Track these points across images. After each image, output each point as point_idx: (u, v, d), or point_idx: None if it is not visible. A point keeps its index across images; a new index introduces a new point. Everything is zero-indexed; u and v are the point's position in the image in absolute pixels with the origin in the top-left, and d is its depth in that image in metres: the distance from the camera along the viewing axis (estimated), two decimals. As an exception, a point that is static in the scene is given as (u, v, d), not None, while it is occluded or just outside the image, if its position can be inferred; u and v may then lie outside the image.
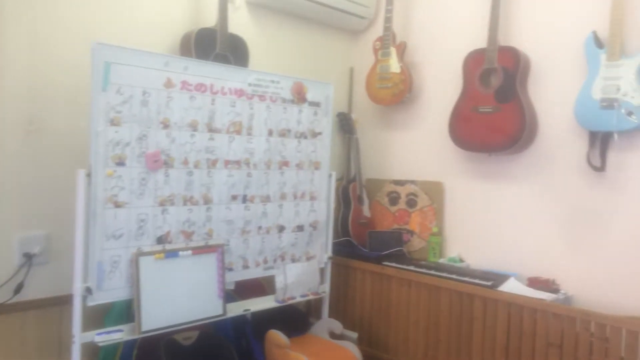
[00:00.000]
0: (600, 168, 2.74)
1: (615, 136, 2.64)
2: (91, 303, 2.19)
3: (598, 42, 2.70)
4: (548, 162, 2.96)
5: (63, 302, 2.43)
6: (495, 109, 2.99)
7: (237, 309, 2.67)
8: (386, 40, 3.46)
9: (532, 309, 2.56)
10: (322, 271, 3.10)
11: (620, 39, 2.60)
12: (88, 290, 2.17)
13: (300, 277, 2.94)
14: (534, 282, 2.83)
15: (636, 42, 2.61)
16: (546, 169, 2.96)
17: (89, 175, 2.17)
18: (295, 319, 3.09)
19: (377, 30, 3.61)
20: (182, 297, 2.40)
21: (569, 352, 2.45)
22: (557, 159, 2.92)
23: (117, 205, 2.25)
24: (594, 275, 2.77)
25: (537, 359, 2.54)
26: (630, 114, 2.57)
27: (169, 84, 2.39)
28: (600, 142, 2.75)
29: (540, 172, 2.99)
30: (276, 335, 2.70)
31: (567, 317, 2.46)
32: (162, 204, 2.39)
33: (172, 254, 2.39)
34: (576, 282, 2.81)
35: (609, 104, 2.61)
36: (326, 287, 3.12)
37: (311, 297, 3.04)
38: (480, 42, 3.07)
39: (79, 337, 2.15)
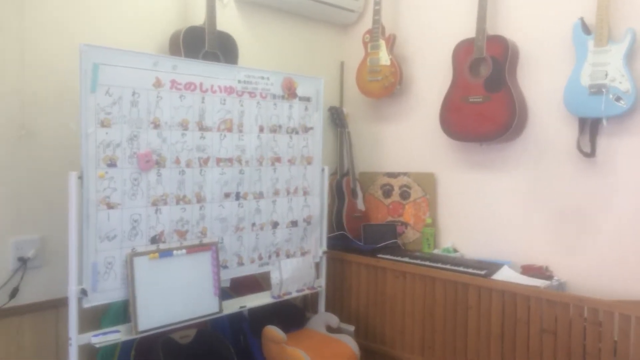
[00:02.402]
0: (591, 154, 2.76)
1: (604, 122, 2.66)
2: (87, 305, 2.20)
3: (585, 29, 2.71)
4: (539, 150, 2.97)
5: (59, 304, 2.43)
6: (485, 99, 3.00)
7: (233, 306, 2.68)
8: (375, 33, 3.47)
9: (526, 297, 2.58)
10: (317, 266, 3.11)
11: (607, 24, 2.61)
12: (83, 292, 2.18)
13: (296, 272, 2.96)
14: (528, 270, 2.85)
15: (623, 27, 2.62)
16: (537, 157, 2.98)
17: (80, 177, 2.17)
18: (291, 314, 3.11)
19: (367, 23, 3.60)
20: (177, 296, 2.41)
21: (563, 337, 2.47)
22: (547, 147, 2.94)
23: (110, 206, 2.25)
24: (587, 261, 2.79)
25: (532, 345, 2.56)
26: (618, 99, 2.58)
27: (158, 84, 2.39)
28: (589, 128, 2.76)
29: (531, 160, 3.00)
30: (273, 331, 2.72)
31: (560, 304, 2.48)
32: (155, 204, 2.40)
33: (166, 253, 2.40)
34: (569, 269, 2.83)
35: (597, 90, 2.63)
36: (322, 282, 3.14)
37: (307, 292, 3.05)
38: (469, 32, 3.07)
39: (76, 339, 2.16)
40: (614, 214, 2.72)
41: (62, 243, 2.27)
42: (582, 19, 2.72)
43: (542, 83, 2.94)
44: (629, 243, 2.67)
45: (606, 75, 2.60)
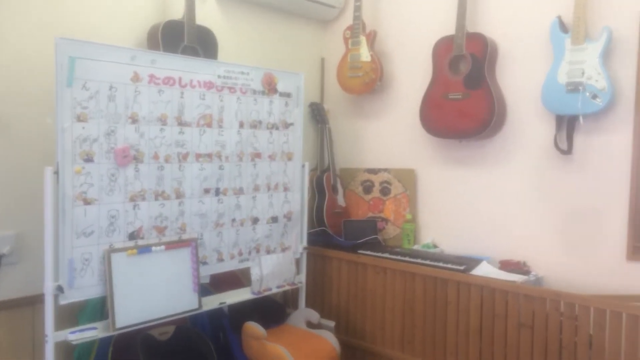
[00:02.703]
0: (567, 151, 2.80)
1: (581, 119, 2.69)
2: (63, 302, 2.17)
3: (563, 27, 2.74)
4: (517, 147, 3.00)
5: (35, 301, 2.39)
6: (464, 96, 3.02)
7: (212, 302, 2.67)
8: (356, 29, 3.47)
9: (504, 291, 2.61)
10: (297, 262, 3.11)
11: (584, 23, 2.64)
12: (59, 289, 2.15)
13: (276, 268, 2.95)
14: (506, 265, 2.88)
15: (599, 26, 2.65)
16: (515, 154, 3.01)
17: (56, 172, 2.14)
18: (272, 310, 3.11)
19: (347, 19, 3.60)
20: (156, 292, 2.39)
21: (540, 332, 2.50)
22: (525, 144, 2.97)
23: (87, 202, 2.23)
24: (563, 256, 2.83)
25: (510, 340, 2.59)
26: (594, 97, 2.62)
27: (136, 78, 2.36)
28: (566, 125, 2.80)
29: (510, 156, 3.03)
30: (253, 327, 2.71)
31: (537, 298, 2.51)
32: (133, 199, 2.37)
33: (144, 249, 2.38)
34: (546, 264, 2.87)
35: (574, 88, 2.66)
36: (302, 278, 3.14)
37: (287, 287, 3.05)
38: (449, 29, 3.09)
39: (52, 336, 2.13)
40: (589, 210, 2.76)
41: (38, 239, 2.24)
42: (559, 18, 2.75)
43: (521, 80, 2.97)
44: (604, 239, 2.71)
45: (583, 73, 2.64)
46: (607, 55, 2.63)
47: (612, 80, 2.60)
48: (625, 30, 2.62)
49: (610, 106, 2.64)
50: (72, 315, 2.38)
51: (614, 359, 2.31)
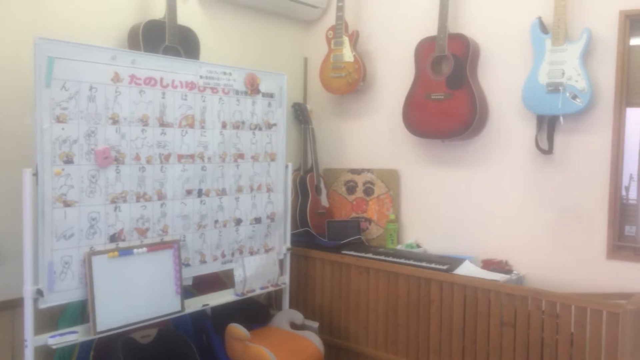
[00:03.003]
0: (548, 151, 2.83)
1: (561, 119, 2.72)
2: (43, 306, 2.14)
3: (543, 28, 2.77)
4: (499, 147, 3.03)
5: (14, 305, 2.35)
6: (447, 96, 3.03)
7: (195, 304, 2.65)
8: (339, 30, 3.47)
9: (486, 290, 2.63)
10: (281, 262, 3.10)
11: (564, 24, 2.67)
12: (39, 293, 2.12)
13: (259, 269, 2.94)
14: (488, 264, 2.90)
15: (579, 27, 2.69)
16: (497, 154, 3.03)
17: (35, 174, 2.10)
18: (255, 312, 3.09)
19: (330, 19, 3.60)
20: (138, 295, 2.36)
21: (522, 330, 2.53)
22: (507, 144, 3.00)
23: (67, 204, 2.19)
24: (545, 255, 2.86)
25: (492, 338, 2.61)
26: (574, 97, 2.65)
27: (116, 79, 2.33)
28: (547, 125, 2.83)
29: (492, 156, 3.05)
30: (236, 329, 2.69)
31: (519, 297, 2.53)
32: (114, 201, 2.34)
33: (126, 252, 2.35)
34: (528, 262, 2.90)
35: (554, 88, 2.69)
36: (286, 279, 3.13)
37: (271, 289, 3.04)
38: (431, 29, 3.10)
39: (32, 340, 2.10)
40: (570, 209, 2.79)
41: (16, 242, 2.20)
42: (540, 19, 2.77)
43: (502, 81, 2.99)
44: (585, 237, 2.75)
45: (563, 73, 2.67)
46: (587, 56, 2.66)
47: (591, 80, 2.63)
48: (605, 32, 2.66)
49: (590, 106, 2.67)
50: (52, 319, 2.34)
51: (595, 357, 2.34)
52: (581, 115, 2.72)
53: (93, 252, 2.26)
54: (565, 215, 2.80)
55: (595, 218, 2.71)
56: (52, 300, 2.17)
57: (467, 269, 2.81)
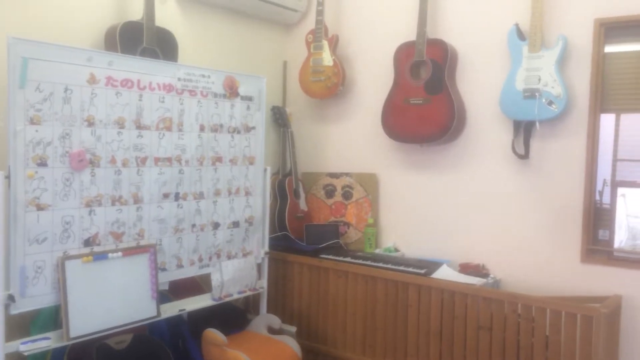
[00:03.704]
0: (524, 156, 2.86)
1: (537, 125, 2.76)
2: (14, 311, 2.09)
3: (520, 35, 2.81)
4: (476, 152, 3.06)
5: (-15, 311, 2.30)
6: (425, 101, 3.05)
7: (172, 309, 2.61)
8: (318, 34, 3.47)
9: (463, 294, 2.64)
10: (259, 267, 3.08)
11: (540, 31, 2.71)
12: (11, 298, 2.07)
13: (237, 273, 2.92)
14: (465, 268, 2.92)
15: (555, 34, 2.73)
16: (475, 158, 3.06)
17: (7, 177, 2.06)
18: (232, 316, 3.07)
19: (310, 23, 3.60)
20: (113, 300, 2.33)
21: (498, 333, 2.55)
22: (484, 148, 3.03)
23: (40, 207, 2.15)
24: (521, 259, 2.89)
25: (469, 342, 2.63)
26: (550, 103, 2.68)
27: (92, 80, 2.30)
28: (523, 130, 2.86)
29: (469, 161, 3.08)
30: (213, 334, 2.67)
31: (495, 301, 2.56)
32: (88, 205, 2.30)
33: (100, 256, 2.31)
34: (504, 266, 2.93)
35: (531, 94, 2.72)
36: (264, 283, 3.11)
37: (249, 293, 3.02)
38: (410, 34, 3.12)
39: (3, 347, 2.05)
40: (545, 214, 2.83)
41: (-13, 246, 2.15)
42: (517, 25, 2.81)
43: (480, 86, 3.02)
44: (560, 242, 2.78)
45: (539, 80, 2.70)
46: (562, 62, 2.70)
47: (567, 87, 2.67)
48: (580, 39, 2.70)
49: (566, 112, 2.71)
50: (24, 324, 2.29)
51: (570, 359, 2.37)
52: (557, 121, 2.76)
53: (66, 257, 2.22)
54: (541, 220, 2.84)
55: (570, 222, 2.75)
56: (24, 305, 2.12)
57: (445, 273, 2.83)
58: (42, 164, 2.15)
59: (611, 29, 2.68)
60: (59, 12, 2.60)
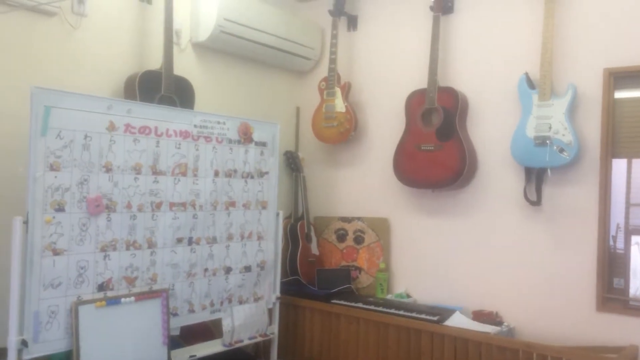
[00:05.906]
0: (536, 202, 2.86)
1: (549, 172, 2.77)
2: (27, 357, 2.09)
3: (530, 83, 2.85)
4: (488, 198, 3.06)
5: (-3, 355, 2.30)
6: (437, 147, 3.08)
7: (182, 355, 2.60)
8: (331, 81, 3.54)
9: (477, 343, 2.61)
10: (270, 312, 3.07)
11: (550, 80, 2.75)
12: (24, 343, 2.08)
13: (248, 318, 2.90)
14: (478, 316, 2.89)
15: (565, 83, 2.77)
16: (486, 204, 3.07)
17: (25, 222, 2.10)
18: (243, 362, 3.04)
19: (323, 70, 3.68)
20: (124, 346, 2.32)
21: (513, 384, 2.50)
22: (496, 194, 3.03)
23: (56, 252, 2.18)
24: (535, 307, 2.85)
25: (484, 392, 2.58)
26: (561, 150, 2.70)
27: (111, 127, 2.36)
28: (535, 177, 2.87)
29: (481, 207, 3.08)
30: (224, 381, 2.64)
31: (510, 350, 2.52)
32: (103, 249, 2.33)
33: (113, 301, 2.32)
34: (518, 314, 2.89)
35: (542, 142, 2.74)
36: (275, 328, 3.09)
37: (259, 339, 2.99)
38: (421, 82, 3.18)
39: (14, 393, 2.05)
40: (559, 260, 2.80)
41: (3, 290, 2.17)
42: (527, 74, 2.85)
43: (491, 133, 3.05)
44: (574, 290, 2.75)
45: (550, 127, 2.73)
46: (572, 110, 2.73)
47: (578, 134, 2.69)
48: (590, 87, 2.74)
49: (577, 159, 2.72)
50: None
51: (587, 412, 2.32)
52: (568, 168, 2.77)
53: (80, 302, 2.23)
54: (555, 267, 2.82)
55: (584, 270, 2.73)
56: (36, 351, 2.13)
57: (458, 320, 2.80)
58: (60, 209, 2.19)
59: (620, 78, 2.71)
60: (82, 63, 2.68)
